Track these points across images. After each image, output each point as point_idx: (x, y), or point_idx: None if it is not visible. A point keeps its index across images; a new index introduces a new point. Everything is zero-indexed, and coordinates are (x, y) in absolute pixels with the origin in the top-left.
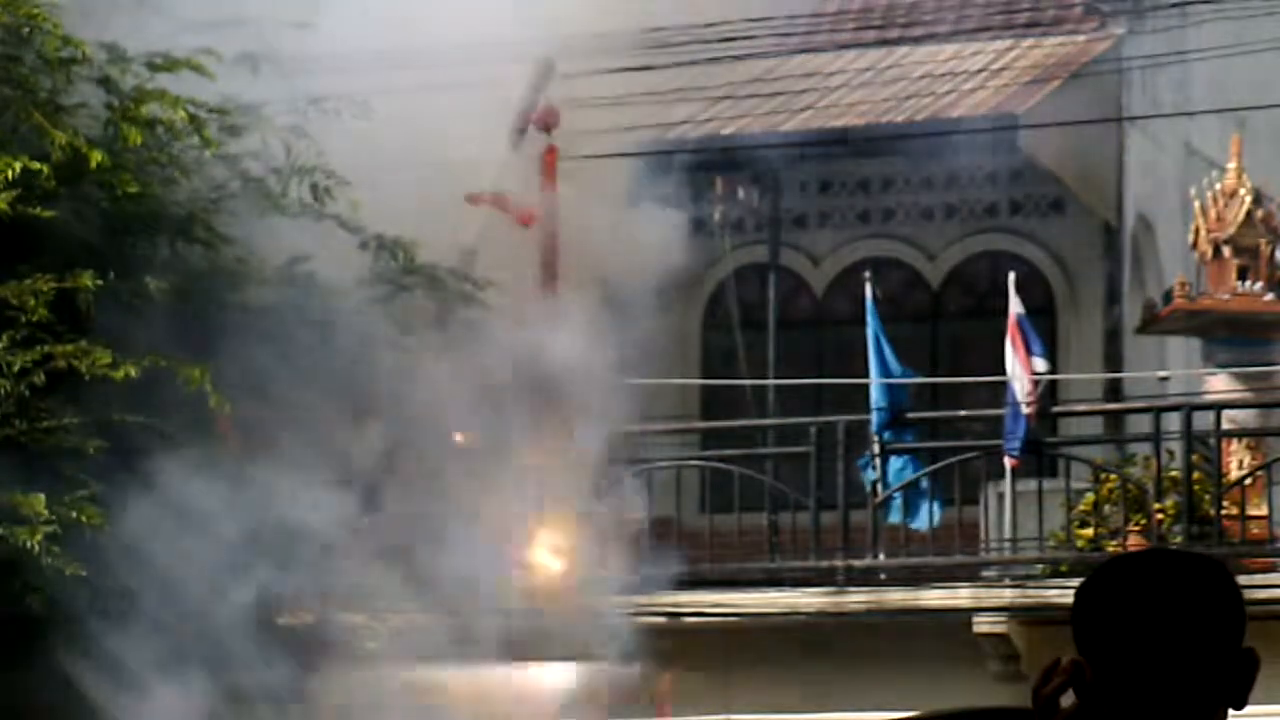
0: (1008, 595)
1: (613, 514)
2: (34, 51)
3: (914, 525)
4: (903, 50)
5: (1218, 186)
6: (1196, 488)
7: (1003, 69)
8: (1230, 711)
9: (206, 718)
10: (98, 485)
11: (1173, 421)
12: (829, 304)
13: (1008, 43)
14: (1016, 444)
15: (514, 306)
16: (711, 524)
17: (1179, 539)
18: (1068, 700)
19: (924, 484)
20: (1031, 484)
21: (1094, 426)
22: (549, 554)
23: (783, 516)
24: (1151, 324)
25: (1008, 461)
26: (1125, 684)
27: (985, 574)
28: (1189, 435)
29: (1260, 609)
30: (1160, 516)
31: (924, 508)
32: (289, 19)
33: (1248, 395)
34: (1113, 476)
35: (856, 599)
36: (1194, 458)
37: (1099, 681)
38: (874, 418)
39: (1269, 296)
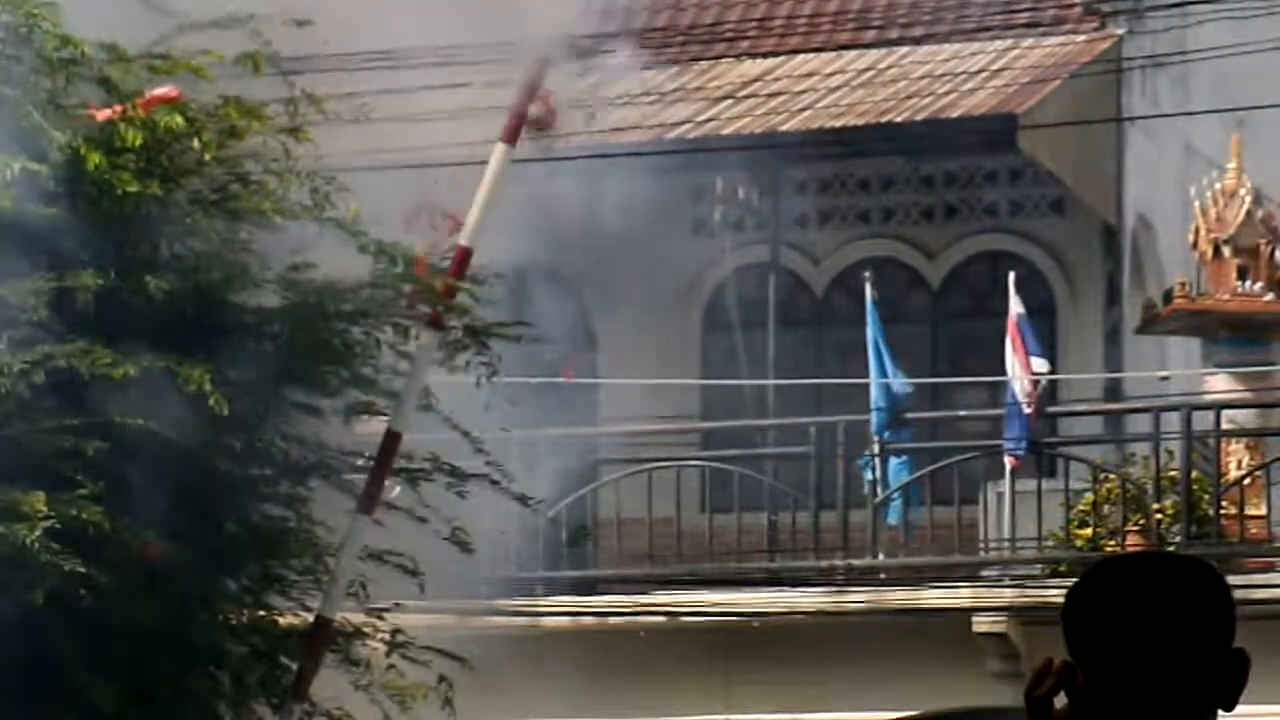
0: (1007, 595)
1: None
2: (33, 51)
3: (893, 521)
4: (903, 50)
5: (1218, 186)
6: (1195, 488)
7: (1003, 69)
8: (1222, 712)
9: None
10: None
11: (1172, 421)
12: (829, 304)
13: (1008, 43)
14: (1016, 444)
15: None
16: (711, 524)
17: (1178, 539)
18: (1061, 702)
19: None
20: (1031, 484)
21: (1093, 426)
22: None
23: (783, 516)
24: (1151, 324)
25: (1007, 461)
26: (1116, 685)
27: (985, 574)
28: (1188, 435)
29: (1259, 609)
30: (1159, 516)
31: (911, 507)
32: (289, 18)
33: (1247, 395)
34: (1112, 476)
35: (856, 599)
36: (1193, 458)
37: (1090, 683)
38: (873, 418)
39: (1269, 296)
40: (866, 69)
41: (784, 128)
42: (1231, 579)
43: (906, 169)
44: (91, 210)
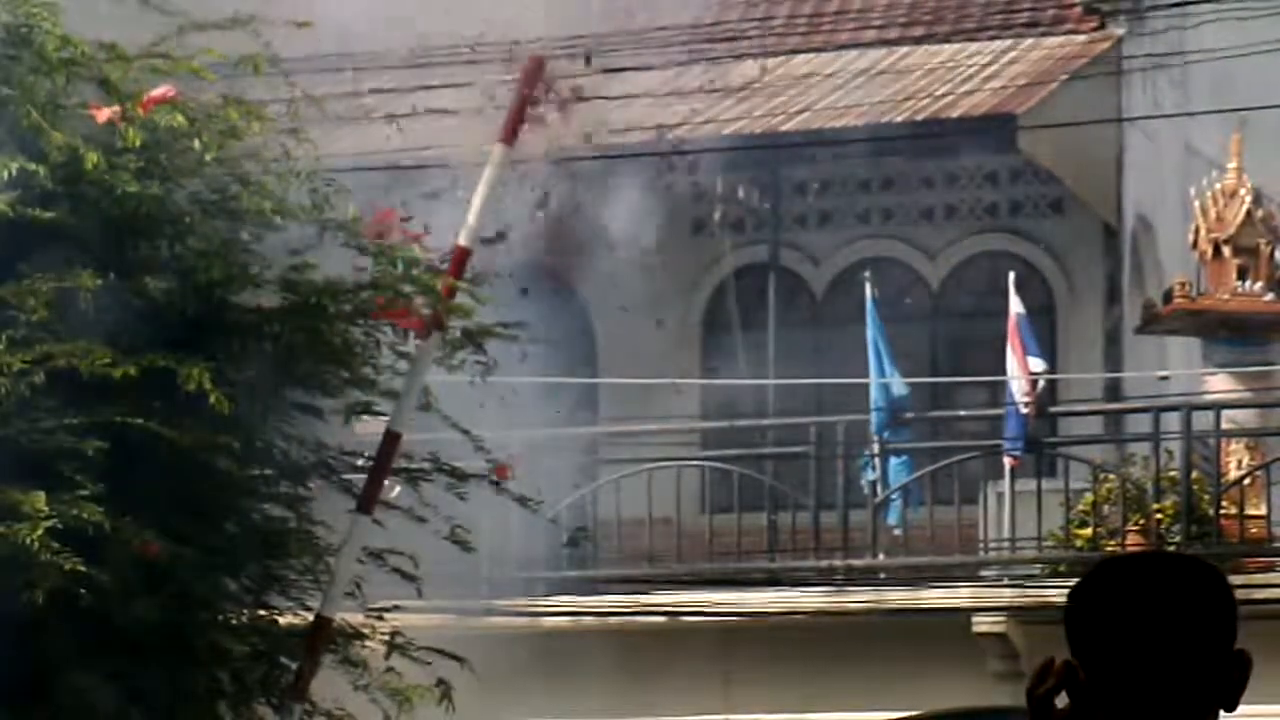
0: (1007, 595)
1: None
2: (33, 52)
3: (893, 521)
4: (903, 50)
5: (1218, 186)
6: (1195, 488)
7: (1003, 69)
8: (1223, 712)
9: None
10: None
11: (1172, 421)
12: (829, 304)
13: (1008, 43)
14: (1016, 444)
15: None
16: (711, 524)
17: (1178, 539)
18: (1062, 701)
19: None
20: (1030, 484)
21: (1093, 426)
22: None
23: (783, 516)
24: (1151, 324)
25: (1007, 461)
26: (1118, 685)
27: (984, 574)
28: (1188, 435)
29: (1259, 609)
30: (1159, 517)
31: (911, 507)
32: (289, 18)
33: (1247, 395)
34: (1111, 476)
35: (856, 599)
36: (1193, 458)
37: (1092, 683)
38: (873, 418)
39: (1269, 296)
40: (866, 69)
41: (784, 128)
42: (1231, 579)
43: (906, 169)
44: (91, 210)
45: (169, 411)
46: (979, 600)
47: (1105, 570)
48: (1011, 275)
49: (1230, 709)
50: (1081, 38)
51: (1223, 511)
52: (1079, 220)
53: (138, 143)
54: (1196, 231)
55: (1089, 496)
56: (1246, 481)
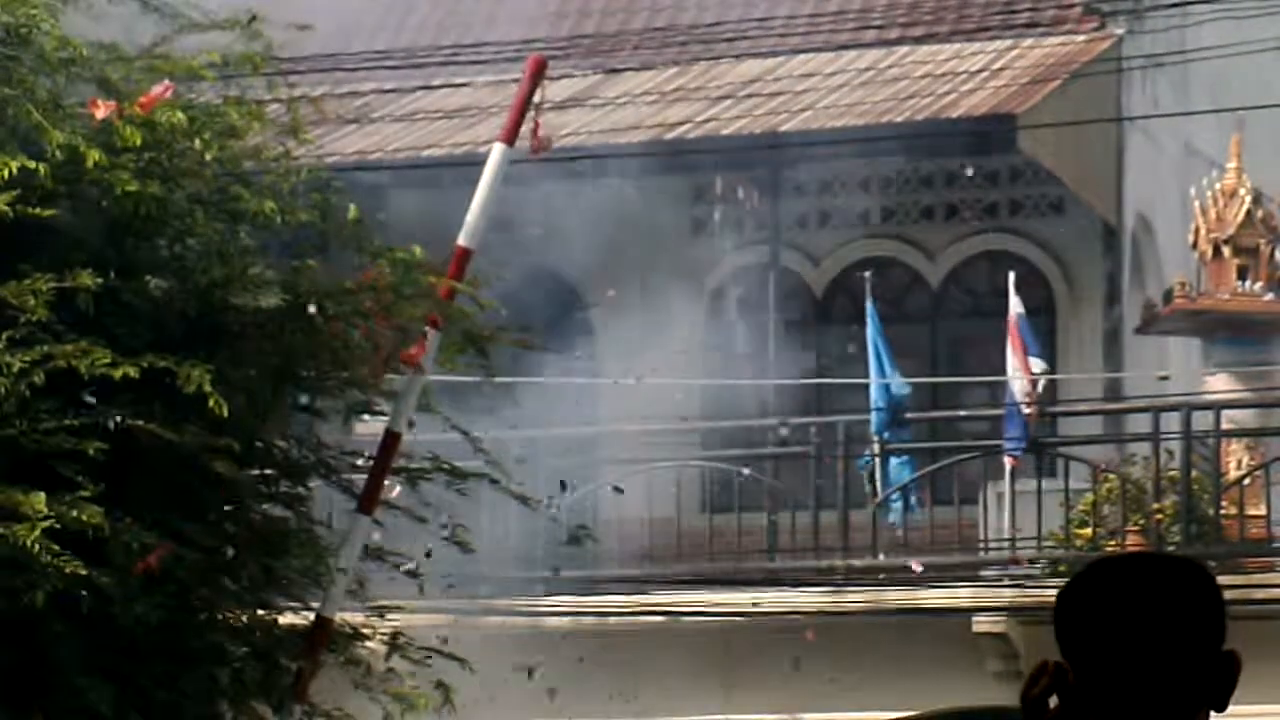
0: (1007, 595)
1: None
2: (33, 52)
3: (893, 521)
4: (903, 50)
5: (1218, 186)
6: (1195, 488)
7: (1003, 69)
8: (1214, 713)
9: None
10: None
11: (1172, 421)
12: (829, 304)
13: (1008, 43)
14: (1016, 444)
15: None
16: (711, 524)
17: (1178, 539)
18: (1056, 702)
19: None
20: (1031, 484)
21: (1093, 426)
22: None
23: (783, 516)
24: (1151, 324)
25: (1007, 461)
26: (1106, 686)
27: (984, 574)
28: (1188, 435)
29: (1258, 609)
30: (1159, 516)
31: (911, 507)
32: (289, 19)
33: (1247, 395)
34: (1112, 476)
35: (856, 599)
36: (1193, 458)
37: (1081, 684)
38: (873, 418)
39: (1269, 296)
40: (866, 69)
41: (784, 128)
42: (1232, 579)
43: (906, 169)
44: (91, 209)
45: (169, 412)
46: (979, 600)
47: (1092, 572)
48: (1011, 275)
49: (1220, 709)
50: (1081, 38)
51: (1223, 511)
52: (1079, 220)
53: (137, 141)
54: (1196, 231)
55: (1089, 496)
56: (1246, 481)
